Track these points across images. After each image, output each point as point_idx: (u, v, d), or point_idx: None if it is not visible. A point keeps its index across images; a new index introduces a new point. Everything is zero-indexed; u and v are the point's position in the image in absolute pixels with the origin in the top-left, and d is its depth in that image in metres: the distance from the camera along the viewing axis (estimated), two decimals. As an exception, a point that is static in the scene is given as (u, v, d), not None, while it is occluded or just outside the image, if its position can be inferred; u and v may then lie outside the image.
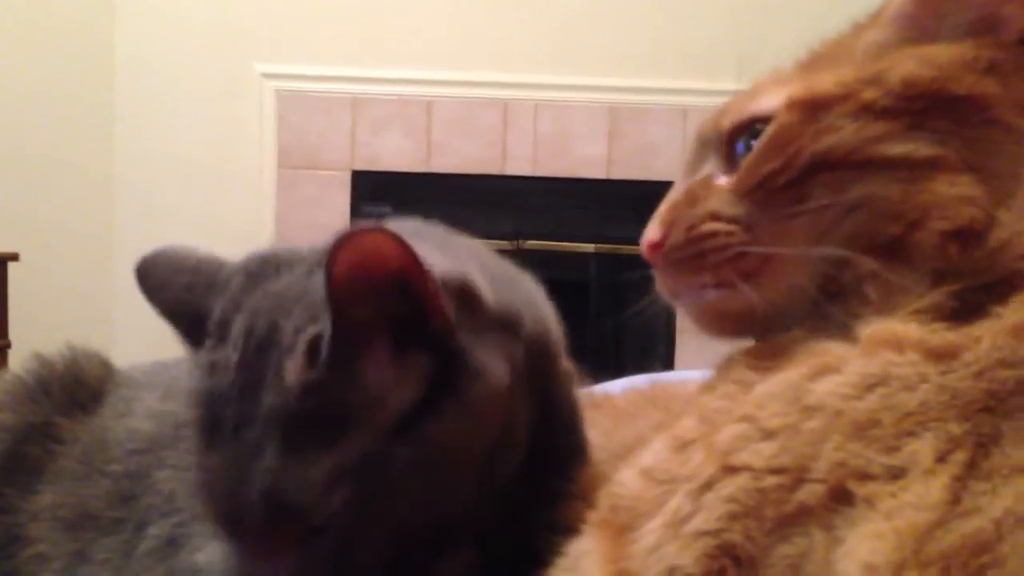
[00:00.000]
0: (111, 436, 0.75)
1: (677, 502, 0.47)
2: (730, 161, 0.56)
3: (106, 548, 0.69)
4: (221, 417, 0.48)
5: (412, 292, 0.48)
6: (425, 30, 3.06)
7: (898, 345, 0.45)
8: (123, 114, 3.09)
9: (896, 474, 0.42)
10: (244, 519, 0.48)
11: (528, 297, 0.61)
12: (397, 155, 3.03)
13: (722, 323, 0.56)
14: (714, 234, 0.53)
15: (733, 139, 0.56)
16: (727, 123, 0.57)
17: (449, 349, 0.50)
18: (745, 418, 0.47)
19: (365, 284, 0.47)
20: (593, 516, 0.53)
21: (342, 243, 0.45)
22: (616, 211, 3.11)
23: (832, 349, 0.47)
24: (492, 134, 3.04)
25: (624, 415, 0.74)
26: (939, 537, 0.39)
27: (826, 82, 0.53)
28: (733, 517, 0.45)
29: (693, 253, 0.54)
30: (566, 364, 0.64)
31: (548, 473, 0.58)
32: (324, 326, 0.47)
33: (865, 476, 0.42)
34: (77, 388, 0.80)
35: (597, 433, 0.72)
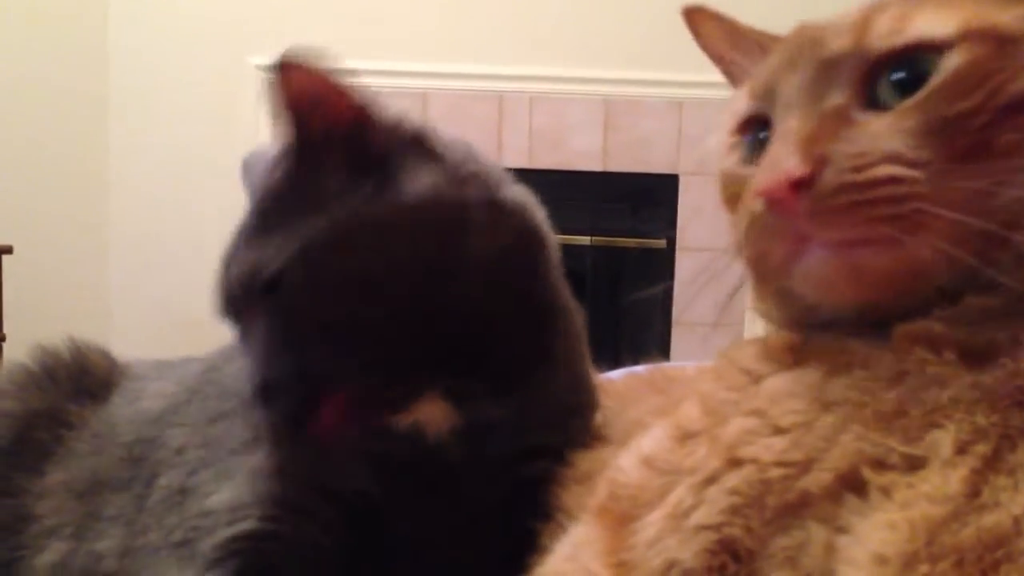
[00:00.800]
0: (122, 416, 0.77)
1: (679, 495, 0.47)
2: (867, 90, 0.47)
3: (116, 505, 0.71)
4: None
5: (354, 123, 0.61)
6: (419, 22, 3.06)
7: (932, 343, 0.44)
8: (117, 107, 3.08)
9: (915, 464, 0.41)
10: (228, 293, 0.62)
11: (520, 197, 0.67)
12: (392, 148, 3.02)
13: (868, 286, 0.47)
14: (894, 180, 0.44)
15: (885, 65, 0.47)
16: (877, 45, 0.47)
17: (387, 170, 0.61)
18: (755, 412, 0.47)
19: (314, 105, 0.60)
20: (593, 502, 0.53)
21: (290, 68, 0.58)
22: (612, 203, 3.11)
23: (856, 347, 0.46)
24: (487, 127, 3.03)
25: (624, 399, 0.73)
26: (954, 530, 0.38)
27: (1003, 16, 0.46)
28: (735, 511, 0.45)
29: (860, 200, 0.44)
30: (557, 275, 0.69)
31: (535, 369, 0.64)
32: (288, 138, 0.62)
33: (882, 465, 0.41)
34: (84, 377, 0.81)
35: (599, 418, 0.73)
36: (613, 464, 0.54)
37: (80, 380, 0.81)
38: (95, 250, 3.00)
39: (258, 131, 3.03)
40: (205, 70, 3.05)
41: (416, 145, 0.64)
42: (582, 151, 3.05)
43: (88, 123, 3.08)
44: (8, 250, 2.59)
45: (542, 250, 0.66)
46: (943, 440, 0.41)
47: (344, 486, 0.63)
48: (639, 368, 0.88)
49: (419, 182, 0.61)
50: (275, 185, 0.63)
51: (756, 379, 0.50)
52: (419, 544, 0.64)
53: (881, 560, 0.39)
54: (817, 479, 0.43)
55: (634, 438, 0.57)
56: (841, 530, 0.42)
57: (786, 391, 0.47)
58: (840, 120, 0.46)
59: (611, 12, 3.03)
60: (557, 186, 3.04)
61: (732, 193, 0.54)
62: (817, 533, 0.42)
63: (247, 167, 0.72)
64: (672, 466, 0.49)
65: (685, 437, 0.50)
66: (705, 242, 3.07)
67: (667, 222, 3.05)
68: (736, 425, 0.47)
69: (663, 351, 3.00)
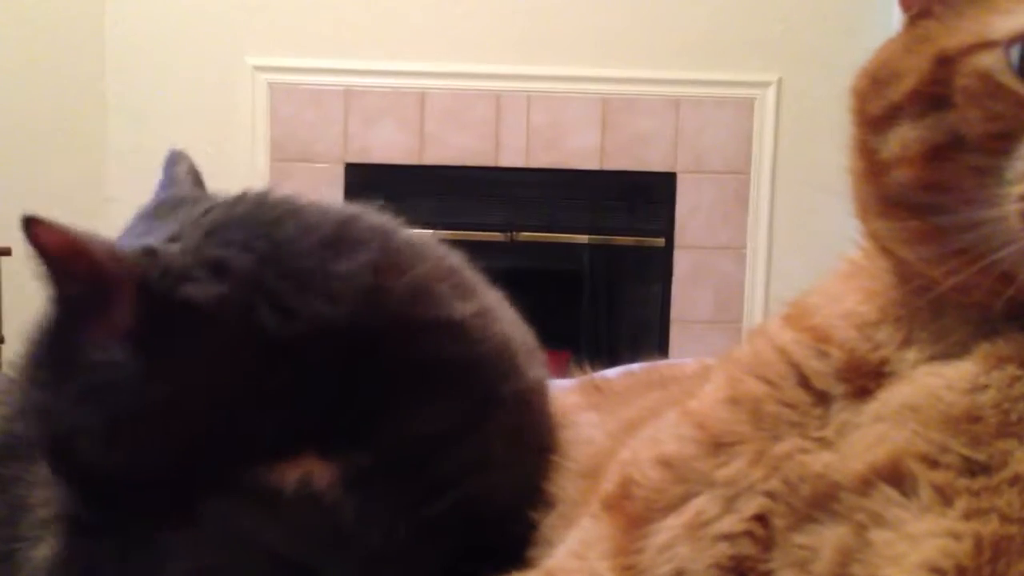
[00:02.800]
0: None
1: (702, 504, 0.46)
2: None
3: None
4: None
5: (104, 287, 0.58)
6: (417, 22, 3.05)
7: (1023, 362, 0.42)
8: (115, 108, 3.08)
9: (974, 469, 0.39)
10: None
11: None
12: (390, 147, 3.02)
13: None
14: None
15: None
16: None
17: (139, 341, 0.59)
18: (821, 443, 0.44)
19: (66, 261, 0.59)
20: (602, 493, 0.52)
21: (36, 227, 0.59)
22: (609, 202, 3.11)
23: (936, 369, 0.44)
24: (485, 126, 3.03)
25: (622, 395, 0.73)
26: None
27: None
28: (761, 516, 0.43)
29: None
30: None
31: (390, 413, 0.60)
32: (51, 290, 0.60)
33: (934, 463, 0.40)
34: None
35: (599, 413, 0.72)
36: (624, 453, 0.53)
37: None
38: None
39: (255, 131, 3.03)
40: (203, 71, 3.05)
41: (164, 316, 0.59)
42: (580, 150, 3.04)
43: (86, 124, 3.07)
44: (7, 252, 2.59)
45: (370, 316, 0.61)
46: (1018, 453, 0.39)
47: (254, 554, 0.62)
48: (636, 366, 0.88)
49: (184, 369, 0.59)
50: (41, 336, 0.63)
51: (823, 401, 0.46)
52: None
53: (934, 569, 0.37)
54: (847, 469, 0.42)
55: (641, 426, 0.56)
56: (877, 521, 0.40)
57: (857, 424, 0.44)
58: None
59: (608, 11, 3.03)
60: (555, 185, 3.07)
61: (993, 113, 0.42)
62: (832, 533, 0.41)
63: (171, 161, 0.73)
64: (699, 475, 0.47)
65: (717, 445, 0.47)
66: (702, 240, 3.07)
67: (665, 220, 3.05)
68: (792, 445, 0.45)
69: (661, 349, 3.00)
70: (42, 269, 0.59)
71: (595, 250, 3.11)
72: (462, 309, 0.64)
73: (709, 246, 3.06)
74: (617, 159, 3.04)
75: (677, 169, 3.03)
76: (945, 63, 0.44)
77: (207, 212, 0.63)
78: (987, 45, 0.43)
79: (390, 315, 0.61)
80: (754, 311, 3.00)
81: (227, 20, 3.04)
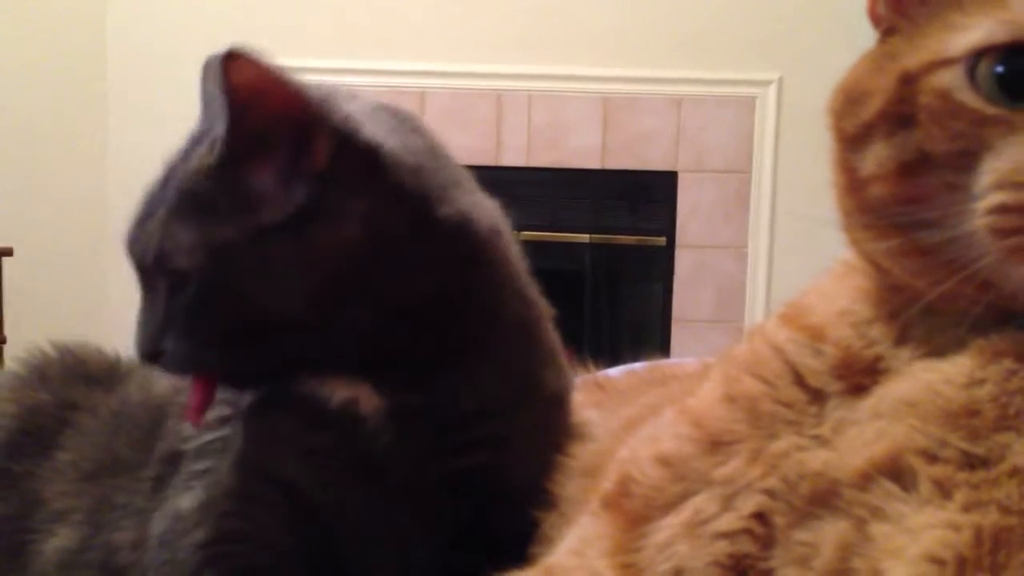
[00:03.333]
0: (137, 399, 0.78)
1: (700, 503, 0.46)
2: None
3: (127, 492, 0.72)
4: (153, 186, 0.65)
5: (299, 127, 0.59)
6: (417, 21, 3.05)
7: (1020, 356, 0.42)
8: (117, 108, 3.08)
9: (973, 463, 0.39)
10: (137, 259, 0.64)
11: (460, 214, 0.66)
12: (391, 147, 3.02)
13: None
14: None
15: None
16: None
17: (320, 189, 0.60)
18: (818, 440, 0.45)
19: (257, 99, 0.58)
20: (601, 492, 0.52)
21: (237, 58, 0.57)
22: (611, 201, 3.11)
23: (932, 365, 0.44)
24: (486, 125, 3.03)
25: (624, 394, 0.73)
26: None
27: None
28: (761, 514, 0.43)
29: None
30: (509, 266, 0.69)
31: (459, 363, 0.65)
32: (222, 129, 0.60)
33: (933, 457, 0.40)
34: (82, 367, 0.82)
35: (600, 411, 0.72)
36: (623, 452, 0.53)
37: (78, 369, 0.82)
38: (95, 253, 2.99)
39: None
40: (203, 71, 3.05)
41: (361, 165, 0.61)
42: (581, 149, 3.04)
43: (88, 125, 3.07)
44: (8, 252, 2.59)
45: (478, 264, 0.66)
46: (1014, 445, 0.39)
47: (286, 474, 0.65)
48: (638, 365, 0.88)
49: (348, 214, 0.60)
50: (201, 170, 0.61)
51: (818, 399, 0.47)
52: (367, 538, 0.65)
53: (935, 560, 0.37)
54: (847, 466, 0.42)
55: (641, 424, 0.56)
56: (878, 515, 0.40)
57: (851, 421, 0.44)
58: None
59: (609, 10, 3.03)
60: (556, 184, 3.07)
61: (954, 131, 0.43)
62: (833, 529, 0.41)
63: (208, 70, 0.72)
64: (697, 474, 0.47)
65: (714, 443, 0.48)
66: (704, 239, 3.07)
67: (666, 219, 3.05)
68: (789, 443, 0.45)
69: (663, 348, 3.00)
70: (224, 102, 0.59)
71: (596, 249, 3.11)
72: (539, 307, 0.71)
73: (710, 245, 3.06)
74: (618, 158, 3.04)
75: (678, 168, 3.03)
76: (908, 82, 0.44)
77: (365, 99, 0.67)
78: (945, 63, 0.43)
79: (500, 268, 0.67)
80: (755, 310, 3.00)
81: (228, 20, 3.04)
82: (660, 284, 3.10)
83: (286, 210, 0.59)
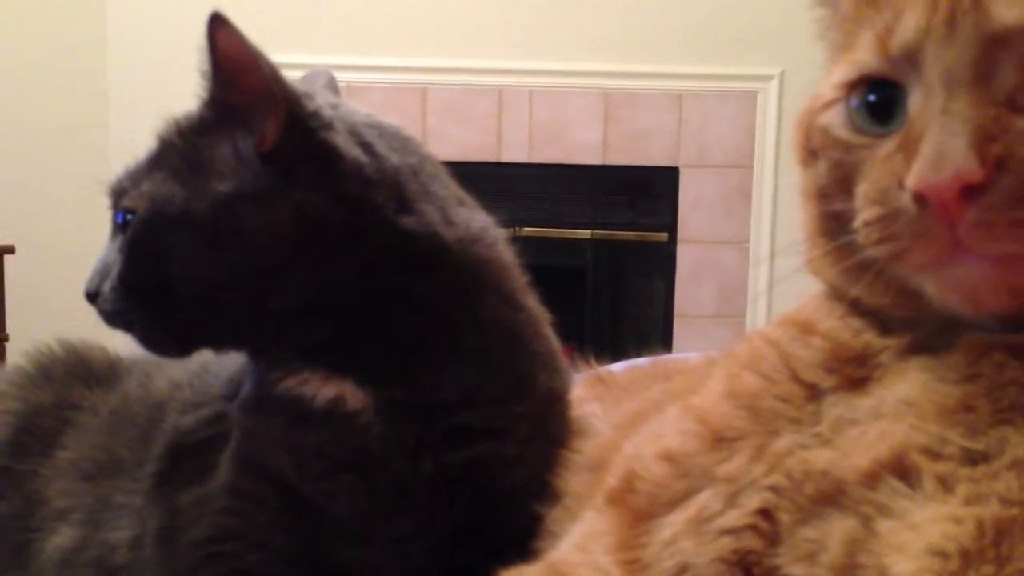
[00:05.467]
0: (136, 397, 0.79)
1: (705, 500, 0.46)
2: None
3: (125, 492, 0.72)
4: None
5: (268, 108, 0.63)
6: (418, 17, 3.05)
7: (1013, 351, 0.43)
8: (118, 106, 3.08)
9: (974, 458, 0.40)
10: (109, 193, 0.69)
11: (421, 223, 0.67)
12: (392, 143, 3.01)
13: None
14: None
15: None
16: None
17: (267, 172, 0.62)
18: (818, 439, 0.45)
19: (238, 73, 0.63)
20: (606, 487, 0.52)
21: (219, 28, 0.62)
22: (612, 197, 3.11)
23: (926, 363, 0.45)
24: (487, 121, 3.03)
25: (627, 388, 0.73)
26: None
27: None
28: (765, 510, 0.44)
29: None
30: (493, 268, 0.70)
31: (444, 360, 0.66)
32: (205, 94, 0.65)
33: (936, 455, 0.41)
34: (85, 366, 0.84)
35: (603, 405, 0.73)
36: (627, 448, 0.54)
37: (81, 369, 0.83)
38: (97, 251, 2.99)
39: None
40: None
41: (312, 161, 0.63)
42: (582, 144, 3.04)
43: (89, 123, 3.07)
44: (10, 250, 2.59)
45: (445, 270, 0.67)
46: (1012, 438, 0.40)
47: (280, 471, 0.66)
48: (641, 360, 0.88)
49: (283, 203, 0.62)
50: (183, 127, 0.66)
51: (815, 395, 0.47)
52: (364, 535, 0.66)
53: (938, 553, 0.38)
54: (852, 465, 0.42)
55: (644, 420, 0.56)
56: (884, 512, 0.41)
57: (848, 419, 0.45)
58: (1015, 112, 0.40)
59: (609, 6, 3.02)
60: (557, 180, 3.07)
61: (835, 161, 0.47)
62: (839, 526, 0.42)
63: (308, 80, 0.78)
64: (701, 470, 0.48)
65: (718, 440, 0.48)
66: (705, 234, 3.06)
67: (668, 215, 3.05)
68: (791, 441, 0.45)
69: (665, 344, 3.00)
70: (208, 67, 0.64)
71: (598, 245, 3.11)
72: (532, 313, 0.72)
73: (712, 240, 3.06)
74: (620, 154, 3.04)
75: (680, 163, 3.03)
76: (810, 121, 0.51)
77: (356, 112, 0.71)
78: (828, 104, 0.49)
79: (474, 274, 0.68)
80: (757, 306, 3.00)
81: (229, 18, 3.04)
82: (662, 280, 3.10)
83: (231, 184, 0.62)
